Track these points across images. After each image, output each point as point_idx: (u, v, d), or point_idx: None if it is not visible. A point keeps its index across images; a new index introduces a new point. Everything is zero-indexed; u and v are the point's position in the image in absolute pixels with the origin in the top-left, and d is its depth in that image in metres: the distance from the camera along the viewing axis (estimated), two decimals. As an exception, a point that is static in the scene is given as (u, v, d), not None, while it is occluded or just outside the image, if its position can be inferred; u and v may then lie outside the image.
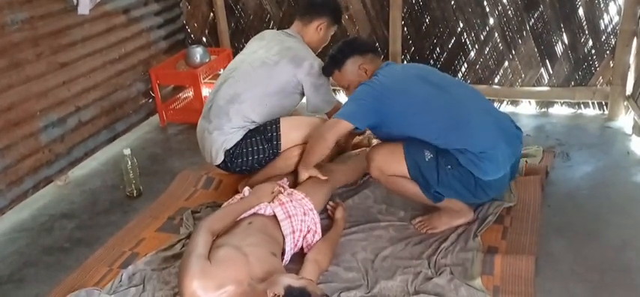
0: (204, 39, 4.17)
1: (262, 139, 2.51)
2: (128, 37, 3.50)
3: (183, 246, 2.33)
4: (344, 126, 2.24)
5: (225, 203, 2.26)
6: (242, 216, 2.11)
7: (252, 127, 2.54)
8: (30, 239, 2.57)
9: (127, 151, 2.79)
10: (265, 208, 2.14)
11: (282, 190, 2.29)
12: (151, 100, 3.76)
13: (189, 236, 2.39)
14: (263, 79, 2.56)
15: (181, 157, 3.28)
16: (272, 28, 3.91)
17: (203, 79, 3.62)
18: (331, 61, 2.45)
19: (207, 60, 3.69)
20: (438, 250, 2.18)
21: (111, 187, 3.00)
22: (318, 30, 2.72)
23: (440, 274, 2.04)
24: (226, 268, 1.77)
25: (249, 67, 2.60)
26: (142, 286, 2.10)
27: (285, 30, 2.78)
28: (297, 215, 2.13)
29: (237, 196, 2.28)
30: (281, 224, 2.10)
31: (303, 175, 2.41)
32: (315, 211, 2.22)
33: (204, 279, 1.71)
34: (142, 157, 3.23)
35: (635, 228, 2.30)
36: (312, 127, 2.51)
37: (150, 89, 3.72)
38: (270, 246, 1.98)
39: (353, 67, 2.38)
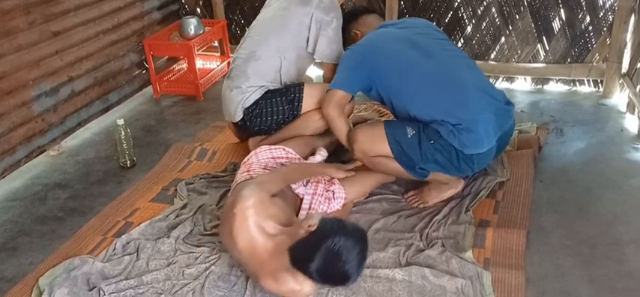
0: (198, 10, 4.12)
1: (283, 101, 2.49)
2: (121, 6, 3.45)
3: (177, 216, 2.33)
4: (339, 95, 2.24)
5: (292, 156, 2.32)
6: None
7: (272, 86, 2.52)
8: (23, 208, 2.57)
9: (121, 122, 2.78)
10: (298, 187, 2.19)
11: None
12: (144, 72, 3.72)
13: (183, 207, 2.40)
14: (276, 29, 2.53)
15: (175, 128, 3.26)
16: None
17: (197, 50, 3.58)
18: None
19: (202, 31, 3.65)
20: (430, 224, 2.19)
21: (104, 157, 2.99)
22: None
23: (431, 246, 2.05)
24: (278, 209, 1.86)
25: (264, 22, 2.61)
26: (136, 254, 2.10)
27: None
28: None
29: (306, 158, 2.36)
30: (300, 212, 2.14)
31: (340, 174, 2.21)
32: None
33: (260, 205, 1.79)
34: (135, 128, 3.22)
35: (627, 203, 2.32)
36: None
37: (143, 60, 3.68)
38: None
39: (348, 35, 2.50)
